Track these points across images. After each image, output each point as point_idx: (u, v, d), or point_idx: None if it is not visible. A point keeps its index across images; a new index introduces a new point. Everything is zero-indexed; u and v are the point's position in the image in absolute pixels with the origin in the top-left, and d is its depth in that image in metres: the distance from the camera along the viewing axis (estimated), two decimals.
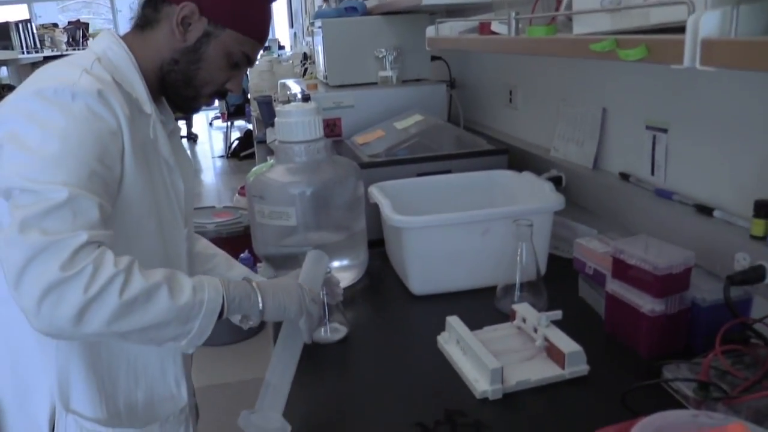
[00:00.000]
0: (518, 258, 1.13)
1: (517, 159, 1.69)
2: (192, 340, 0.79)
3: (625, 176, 1.34)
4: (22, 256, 0.68)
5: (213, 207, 3.36)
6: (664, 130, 1.23)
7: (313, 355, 1.05)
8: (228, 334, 2.83)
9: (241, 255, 2.72)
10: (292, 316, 0.89)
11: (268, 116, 2.71)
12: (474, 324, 1.04)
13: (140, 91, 0.91)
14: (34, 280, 0.68)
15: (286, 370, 0.88)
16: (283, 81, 2.63)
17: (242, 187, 3.81)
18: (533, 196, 1.32)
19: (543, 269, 1.26)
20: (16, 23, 5.80)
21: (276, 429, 0.81)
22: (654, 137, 1.26)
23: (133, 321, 0.73)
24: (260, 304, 0.86)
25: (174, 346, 0.79)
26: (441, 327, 1.07)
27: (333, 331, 1.11)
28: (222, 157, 7.05)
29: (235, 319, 1.07)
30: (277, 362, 0.89)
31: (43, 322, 0.69)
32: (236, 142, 6.93)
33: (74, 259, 0.69)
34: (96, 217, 0.74)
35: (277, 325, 1.13)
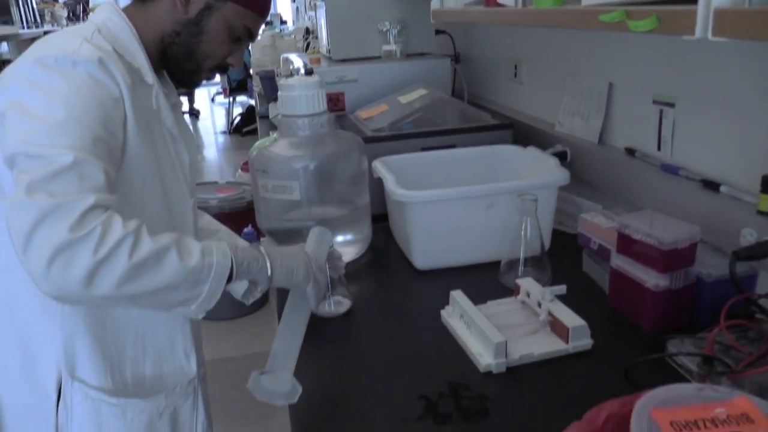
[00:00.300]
0: (522, 233, 1.13)
1: (522, 134, 1.68)
2: (201, 305, 0.79)
3: (630, 151, 1.33)
4: (30, 218, 0.68)
5: (216, 182, 3.35)
6: (672, 105, 1.22)
7: (316, 328, 1.05)
8: (230, 309, 2.84)
9: (245, 230, 2.73)
10: (300, 281, 0.89)
11: (270, 91, 2.69)
12: (478, 298, 1.04)
13: (141, 61, 0.90)
14: (43, 243, 0.67)
15: (295, 335, 0.88)
16: (285, 55, 2.60)
17: (245, 163, 3.81)
18: (538, 170, 1.31)
19: (547, 244, 1.26)
20: None
21: (287, 391, 0.81)
22: (661, 111, 1.24)
23: (143, 283, 0.72)
24: (269, 268, 0.86)
25: (183, 311, 0.79)
26: (445, 301, 1.07)
27: (336, 305, 1.11)
28: (224, 132, 7.02)
29: (239, 291, 1.07)
30: (285, 328, 0.88)
31: (53, 286, 0.69)
32: (238, 118, 6.90)
33: (83, 220, 0.69)
34: (102, 181, 0.74)
35: (281, 299, 1.13)
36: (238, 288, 1.08)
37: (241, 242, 1.17)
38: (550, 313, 0.98)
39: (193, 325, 1.03)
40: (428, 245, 1.23)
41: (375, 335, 1.04)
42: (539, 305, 1.01)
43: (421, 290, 1.21)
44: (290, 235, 1.25)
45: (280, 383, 0.81)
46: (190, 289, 0.77)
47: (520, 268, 1.14)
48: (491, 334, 0.92)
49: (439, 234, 1.22)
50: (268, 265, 0.86)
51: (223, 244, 0.82)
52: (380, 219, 1.44)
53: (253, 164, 1.29)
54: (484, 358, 0.92)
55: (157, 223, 0.89)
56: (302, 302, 0.92)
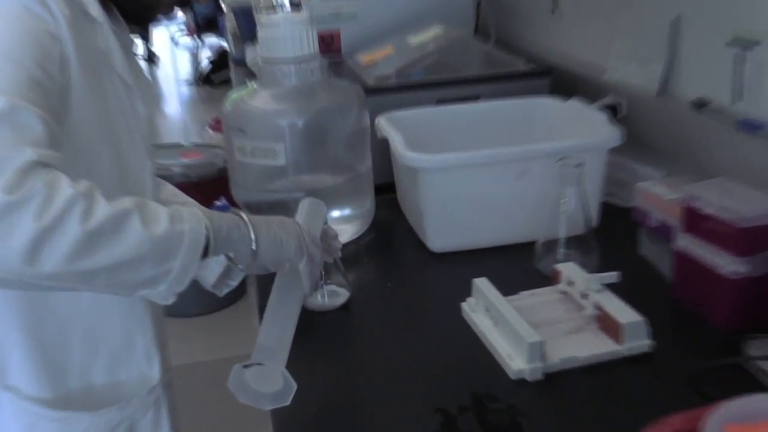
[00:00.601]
0: (563, 207, 1.12)
1: (563, 82, 1.66)
2: (172, 284, 0.78)
3: (700, 104, 1.32)
4: None
5: (179, 145, 3.34)
6: (755, 44, 1.20)
7: (306, 326, 1.04)
8: (198, 302, 2.85)
9: (217, 203, 2.71)
10: (291, 254, 0.88)
11: (247, 30, 2.66)
12: (508, 288, 1.04)
13: None
14: None
15: (286, 322, 0.88)
16: None
17: (216, 120, 3.80)
18: (583, 129, 1.31)
19: (594, 220, 1.25)
20: None
21: (277, 390, 0.81)
22: (740, 54, 1.22)
23: (101, 257, 0.72)
24: (252, 237, 0.85)
25: (150, 294, 0.79)
26: (467, 292, 1.07)
27: (331, 296, 1.11)
28: (190, 82, 7.00)
29: (210, 278, 1.06)
30: (273, 314, 0.88)
31: None
32: (208, 64, 6.86)
33: (21, 180, 0.67)
34: (41, 132, 0.72)
35: (262, 290, 1.13)
36: (210, 272, 1.07)
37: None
38: (597, 307, 0.98)
39: (155, 319, 1.03)
40: (446, 222, 1.23)
41: (379, 334, 1.04)
42: (584, 296, 1.01)
43: (437, 278, 1.21)
44: (273, 210, 1.24)
45: (268, 380, 0.81)
46: (158, 263, 0.76)
47: (561, 250, 1.13)
48: (524, 333, 0.92)
49: (459, 208, 1.22)
50: (252, 232, 0.85)
51: (195, 209, 0.82)
52: (385, 189, 1.43)
53: (226, 122, 1.28)
54: (516, 362, 0.92)
55: (107, 190, 0.89)
56: (293, 285, 0.91)
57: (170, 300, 0.82)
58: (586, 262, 1.11)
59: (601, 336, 0.96)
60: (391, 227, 1.38)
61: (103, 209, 0.72)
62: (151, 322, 1.01)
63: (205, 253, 0.80)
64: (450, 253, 1.25)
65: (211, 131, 3.84)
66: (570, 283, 1.04)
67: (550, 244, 1.14)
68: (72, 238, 0.69)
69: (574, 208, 1.12)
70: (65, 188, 0.70)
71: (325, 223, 1.05)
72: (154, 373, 1.02)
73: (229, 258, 0.88)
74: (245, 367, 0.80)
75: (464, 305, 1.06)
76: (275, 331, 0.86)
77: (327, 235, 1.06)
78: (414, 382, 0.92)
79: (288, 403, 0.80)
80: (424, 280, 1.21)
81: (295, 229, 0.90)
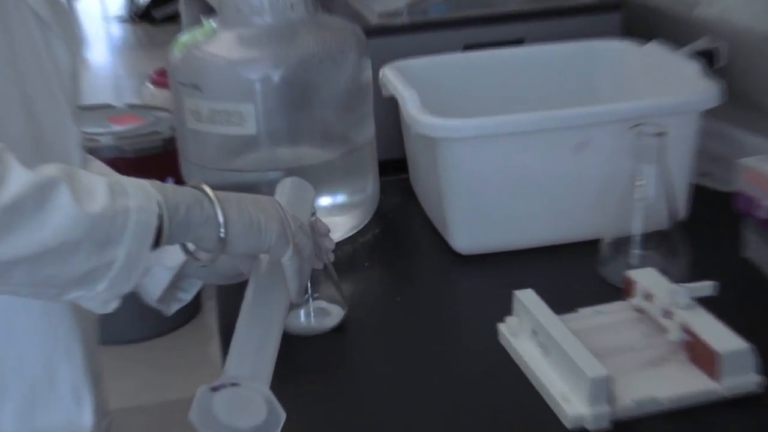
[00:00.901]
0: (638, 191, 1.12)
1: (639, 19, 1.65)
2: (115, 283, 0.79)
3: None
4: None
5: (109, 106, 3.33)
6: None
7: (287, 355, 1.04)
8: (137, 324, 2.84)
9: None
10: (272, 243, 0.89)
11: None
12: (562, 304, 1.04)
13: None
14: None
15: (268, 328, 0.89)
16: None
17: (160, 72, 3.79)
18: (666, 83, 1.30)
19: (682, 210, 1.24)
20: None
21: (259, 425, 0.81)
22: None
23: (20, 242, 0.72)
24: (220, 219, 0.85)
25: (84, 297, 0.79)
26: (505, 309, 1.07)
27: (319, 314, 1.11)
28: (122, 19, 6.99)
29: (154, 291, 1.07)
30: (250, 319, 0.89)
31: None
32: None
33: None
34: None
35: (225, 304, 1.13)
36: (154, 281, 1.07)
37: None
38: (686, 329, 0.98)
39: (85, 344, 1.03)
40: (476, 213, 1.23)
41: (384, 367, 1.05)
42: (667, 315, 1.00)
43: (464, 290, 1.21)
44: None
45: (246, 409, 0.81)
46: (95, 251, 0.76)
47: (635, 251, 1.13)
48: (585, 365, 0.91)
49: (494, 194, 1.22)
50: (219, 212, 0.85)
51: (141, 181, 0.82)
52: (395, 168, 1.43)
53: (174, 75, 1.28)
54: (573, 405, 0.92)
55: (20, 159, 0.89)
56: (274, 287, 0.92)
57: (111, 306, 0.82)
58: (671, 267, 1.10)
59: (690, 369, 0.96)
60: (401, 220, 1.38)
61: (19, 177, 0.73)
62: (80, 347, 1.01)
63: (158, 241, 0.81)
64: (482, 256, 1.24)
65: (152, 87, 3.82)
66: (648, 297, 1.04)
67: (621, 244, 1.14)
68: None
69: (654, 193, 1.12)
70: None
71: (313, 214, 1.05)
72: (85, 419, 1.02)
73: (186, 250, 0.89)
74: (213, 390, 0.80)
75: (502, 327, 1.06)
76: (252, 345, 0.86)
77: (315, 232, 1.07)
78: (432, 430, 0.92)
79: None
80: (446, 292, 1.21)
81: (276, 210, 0.91)
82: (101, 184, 0.78)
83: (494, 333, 1.06)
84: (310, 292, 1.09)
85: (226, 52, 1.25)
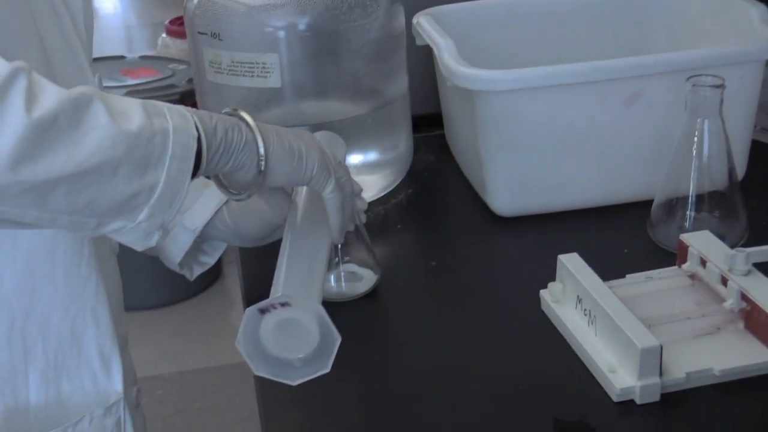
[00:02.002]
0: (695, 148, 1.11)
1: None
2: (157, 211, 0.80)
3: None
4: None
5: (121, 58, 3.35)
6: None
7: None
8: (154, 289, 2.89)
9: None
10: (313, 173, 0.90)
11: None
12: (609, 269, 1.03)
13: None
14: None
15: (314, 252, 0.90)
16: None
17: (175, 20, 3.78)
18: (726, 30, 1.29)
19: (742, 171, 1.24)
20: None
21: (310, 354, 0.81)
22: None
23: (58, 160, 0.73)
24: (259, 140, 0.87)
25: (127, 230, 0.80)
26: (548, 274, 1.07)
27: (351, 279, 1.12)
28: None
29: (175, 254, 1.07)
30: (294, 243, 0.90)
31: None
32: None
33: None
34: None
35: (247, 276, 1.13)
36: (175, 243, 1.08)
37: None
38: (744, 297, 0.97)
39: (112, 309, 1.03)
40: (517, 172, 1.23)
41: (419, 336, 1.05)
42: (724, 282, 1.00)
43: (504, 254, 1.22)
44: None
45: (295, 335, 0.81)
46: (136, 172, 0.77)
47: (689, 213, 1.13)
48: (634, 334, 0.91)
49: (536, 151, 1.22)
50: (259, 137, 0.87)
51: (174, 105, 0.83)
52: (429, 123, 1.44)
53: (192, 23, 1.28)
54: (621, 376, 0.92)
55: None
56: (314, 227, 0.93)
57: (152, 239, 0.83)
58: (728, 230, 1.10)
59: (748, 339, 0.96)
60: (436, 180, 1.38)
61: (52, 92, 0.74)
62: (106, 310, 1.02)
63: (197, 166, 0.82)
64: (523, 218, 1.24)
65: (167, 37, 3.82)
66: (702, 262, 1.03)
67: (673, 205, 1.14)
68: (16, 131, 0.71)
69: (711, 150, 1.11)
70: None
71: None
72: (114, 384, 1.03)
73: (221, 184, 0.91)
74: (262, 311, 0.79)
75: (544, 294, 1.06)
76: (300, 269, 0.87)
77: None
78: (470, 406, 0.92)
79: (328, 369, 0.80)
80: (485, 257, 1.21)
81: (316, 142, 0.92)
82: (136, 105, 0.79)
83: (536, 300, 1.06)
84: (340, 255, 1.10)
85: None
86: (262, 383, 0.97)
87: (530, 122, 1.20)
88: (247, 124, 0.88)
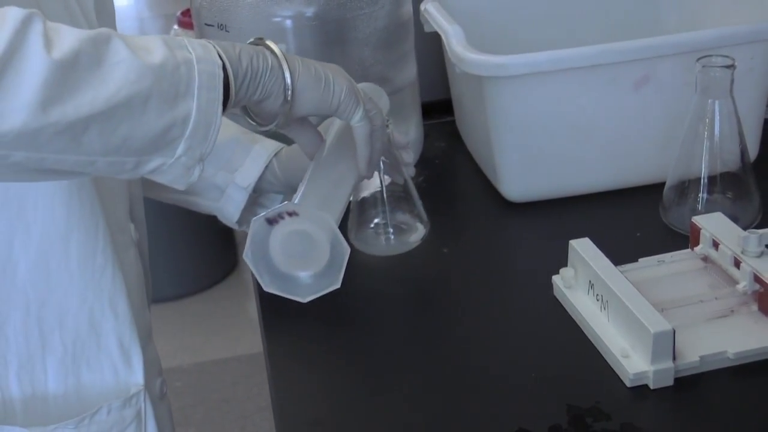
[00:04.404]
0: (706, 130, 1.11)
1: None
2: (194, 143, 0.80)
3: None
4: None
5: None
6: None
7: (322, 305, 1.05)
8: (171, 281, 2.90)
9: None
10: (341, 99, 0.92)
11: None
12: (621, 253, 1.03)
13: None
14: None
15: (340, 177, 0.91)
16: None
17: (187, 11, 3.77)
18: (737, 9, 1.28)
19: (754, 151, 1.23)
20: None
21: (321, 270, 0.80)
22: None
23: (86, 98, 0.74)
24: (285, 65, 0.88)
25: (166, 167, 0.81)
26: (560, 259, 1.07)
27: (401, 233, 1.12)
28: None
29: (233, 216, 1.10)
30: (321, 164, 0.91)
31: None
32: None
33: None
34: None
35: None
36: (232, 203, 1.09)
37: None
38: (757, 279, 0.97)
39: (131, 299, 1.03)
40: (527, 158, 1.23)
41: (431, 321, 1.05)
42: (737, 264, 0.99)
43: (515, 240, 1.22)
44: None
45: (306, 250, 0.81)
46: (166, 105, 0.78)
47: (701, 195, 1.13)
48: (647, 318, 0.91)
49: (546, 136, 1.22)
50: (283, 61, 0.88)
51: (196, 39, 0.84)
52: (439, 110, 1.44)
53: (199, 15, 1.28)
54: (634, 361, 0.92)
55: None
56: (342, 159, 0.94)
57: (194, 174, 0.83)
58: (741, 212, 1.10)
59: (762, 321, 0.95)
60: (447, 166, 1.38)
61: (70, 33, 0.75)
62: (124, 300, 1.02)
63: (226, 96, 0.83)
64: (534, 203, 1.24)
65: (179, 29, 3.80)
66: (716, 245, 1.03)
67: (685, 187, 1.13)
68: (40, 73, 0.72)
69: (722, 132, 1.10)
70: (8, 10, 0.73)
71: (388, 124, 1.05)
72: (135, 376, 1.03)
73: (251, 118, 0.92)
74: (270, 222, 0.79)
75: (556, 279, 1.06)
76: (319, 191, 0.88)
77: (392, 144, 1.07)
78: (483, 392, 0.92)
79: (339, 284, 0.80)
80: (496, 243, 1.21)
81: (343, 72, 0.94)
82: (156, 39, 0.81)
83: (548, 285, 1.06)
84: (388, 208, 1.11)
85: None
86: (275, 374, 0.98)
87: (540, 107, 1.20)
88: (272, 51, 0.88)
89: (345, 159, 0.95)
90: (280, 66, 0.88)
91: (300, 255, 0.80)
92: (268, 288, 0.81)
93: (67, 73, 0.73)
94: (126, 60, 0.76)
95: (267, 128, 0.93)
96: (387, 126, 1.04)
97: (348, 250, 0.79)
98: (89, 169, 0.81)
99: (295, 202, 0.83)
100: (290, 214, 0.79)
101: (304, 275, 0.80)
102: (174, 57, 0.79)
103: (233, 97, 0.84)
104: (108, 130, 0.76)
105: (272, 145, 1.13)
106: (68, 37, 0.74)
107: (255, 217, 0.80)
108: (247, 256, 0.79)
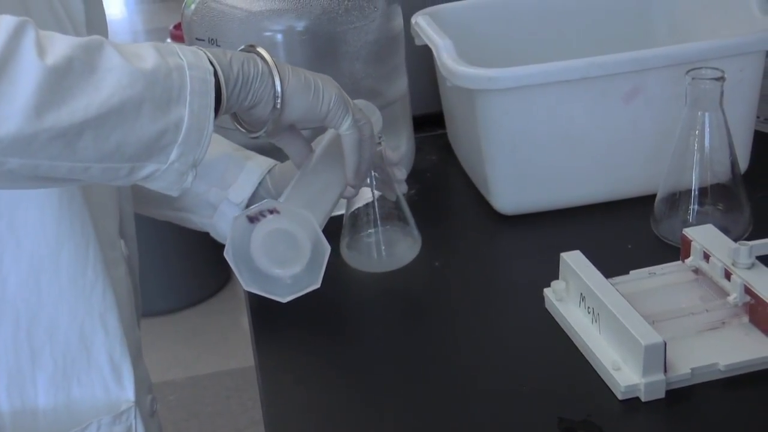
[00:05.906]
0: (696, 141, 1.11)
1: None
2: (187, 149, 0.81)
3: None
4: None
5: None
6: None
7: (314, 317, 1.05)
8: (163, 295, 2.90)
9: None
10: (330, 106, 0.93)
11: None
12: (612, 266, 1.03)
13: None
14: None
15: (327, 183, 0.92)
16: None
17: (179, 24, 3.77)
18: (726, 20, 1.28)
19: (744, 163, 1.23)
20: None
21: (301, 270, 0.80)
22: None
23: (79, 104, 0.74)
24: (275, 72, 0.89)
25: (160, 173, 0.81)
26: (551, 272, 1.07)
27: (391, 248, 1.12)
28: None
29: (226, 232, 1.08)
30: (310, 170, 0.92)
31: None
32: None
33: None
34: None
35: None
36: (225, 220, 1.08)
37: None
38: (748, 291, 0.97)
39: (122, 315, 1.03)
40: (518, 170, 1.23)
41: (422, 335, 1.05)
42: (727, 276, 0.99)
43: (507, 252, 1.21)
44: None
45: (287, 248, 0.81)
46: (159, 111, 0.79)
47: (692, 207, 1.13)
48: (638, 331, 0.91)
49: (537, 149, 1.22)
50: (273, 68, 0.89)
51: (187, 46, 0.86)
52: (431, 123, 1.44)
53: (190, 29, 1.28)
54: (625, 374, 0.91)
55: None
56: (330, 168, 0.94)
57: (187, 180, 0.84)
58: (731, 224, 1.10)
59: (753, 333, 0.95)
60: (439, 179, 1.38)
61: (62, 40, 0.76)
62: (115, 316, 1.02)
63: (218, 102, 0.84)
64: (525, 216, 1.24)
65: (171, 42, 3.82)
66: (706, 257, 1.03)
67: (676, 199, 1.13)
68: (34, 79, 0.72)
69: (712, 143, 1.10)
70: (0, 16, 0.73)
71: (379, 142, 1.05)
72: (126, 392, 1.03)
73: (238, 122, 0.92)
74: (251, 220, 0.79)
75: (548, 292, 1.05)
76: (303, 196, 0.88)
77: (384, 161, 1.07)
78: (475, 405, 0.92)
79: (318, 284, 0.80)
80: (487, 256, 1.21)
81: (332, 81, 0.95)
82: (147, 46, 0.82)
83: (539, 298, 1.06)
84: (379, 224, 1.11)
85: (244, 2, 1.24)
86: (266, 388, 0.97)
87: (531, 120, 1.20)
88: (263, 58, 0.89)
89: (333, 168, 0.96)
90: (271, 72, 0.89)
91: (281, 254, 0.80)
92: (248, 287, 0.81)
93: (61, 79, 0.74)
94: (118, 66, 0.77)
95: (257, 135, 0.93)
96: (379, 143, 1.04)
97: (329, 249, 0.79)
98: (84, 176, 0.81)
99: (280, 199, 0.84)
100: (272, 212, 0.79)
101: (284, 274, 0.80)
102: (166, 63, 0.80)
103: (225, 103, 0.85)
104: (102, 135, 0.77)
105: (265, 162, 1.13)
106: (61, 44, 0.75)
107: (236, 215, 0.80)
108: (228, 253, 0.80)
